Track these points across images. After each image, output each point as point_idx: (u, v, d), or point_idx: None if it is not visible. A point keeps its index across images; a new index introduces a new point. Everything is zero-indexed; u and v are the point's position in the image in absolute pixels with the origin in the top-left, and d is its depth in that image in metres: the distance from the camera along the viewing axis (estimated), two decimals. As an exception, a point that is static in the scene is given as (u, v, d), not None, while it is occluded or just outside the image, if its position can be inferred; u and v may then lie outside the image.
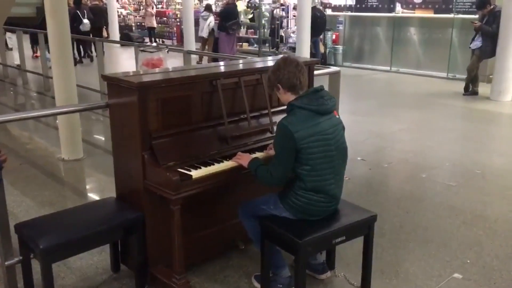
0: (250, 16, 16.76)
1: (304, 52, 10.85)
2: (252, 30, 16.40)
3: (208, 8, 13.43)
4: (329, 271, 3.09)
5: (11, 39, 12.83)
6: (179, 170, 2.65)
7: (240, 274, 3.13)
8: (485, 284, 3.07)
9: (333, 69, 4.75)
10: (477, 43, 8.81)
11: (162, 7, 20.81)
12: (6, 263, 2.62)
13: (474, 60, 8.93)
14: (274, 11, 15.53)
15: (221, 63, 4.99)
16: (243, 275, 3.12)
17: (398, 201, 4.32)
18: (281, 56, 2.97)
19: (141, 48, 7.52)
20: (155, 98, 2.72)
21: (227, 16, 11.81)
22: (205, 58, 12.46)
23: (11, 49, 13.36)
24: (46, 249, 2.50)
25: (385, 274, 3.16)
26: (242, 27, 15.64)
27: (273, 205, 2.76)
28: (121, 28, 19.19)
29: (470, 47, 9.05)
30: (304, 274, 2.66)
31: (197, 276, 3.08)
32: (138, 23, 20.75)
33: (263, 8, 15.24)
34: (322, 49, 12.81)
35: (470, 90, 9.07)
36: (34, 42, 12.83)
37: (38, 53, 11.96)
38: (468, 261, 3.33)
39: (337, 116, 2.74)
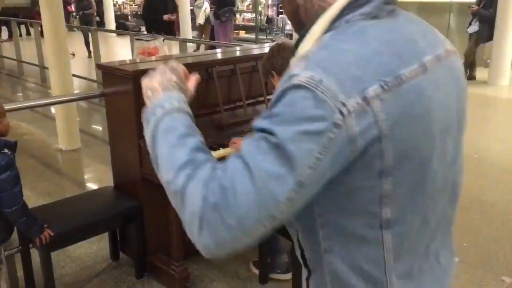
0: (247, 3, 16.65)
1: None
2: (249, 17, 16.31)
3: (200, -5, 13.28)
4: (327, 256, 3.11)
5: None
6: (176, 158, 2.65)
7: (239, 261, 3.15)
8: (481, 267, 3.10)
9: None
10: (474, 27, 8.77)
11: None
12: (5, 252, 2.63)
13: (471, 44, 8.90)
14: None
15: (217, 50, 4.97)
16: (241, 261, 3.14)
17: (395, 187, 4.33)
18: (275, 42, 2.96)
19: (137, 37, 7.51)
20: (150, 87, 2.71)
21: (220, 3, 11.70)
22: (202, 47, 12.37)
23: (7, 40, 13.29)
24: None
25: (382, 259, 3.17)
26: (236, 14, 15.52)
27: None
28: (117, 18, 19.06)
29: (467, 31, 9.03)
30: (301, 260, 2.68)
31: (195, 264, 3.10)
32: (134, 12, 20.60)
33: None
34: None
35: (468, 75, 9.04)
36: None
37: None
38: (465, 244, 3.35)
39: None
